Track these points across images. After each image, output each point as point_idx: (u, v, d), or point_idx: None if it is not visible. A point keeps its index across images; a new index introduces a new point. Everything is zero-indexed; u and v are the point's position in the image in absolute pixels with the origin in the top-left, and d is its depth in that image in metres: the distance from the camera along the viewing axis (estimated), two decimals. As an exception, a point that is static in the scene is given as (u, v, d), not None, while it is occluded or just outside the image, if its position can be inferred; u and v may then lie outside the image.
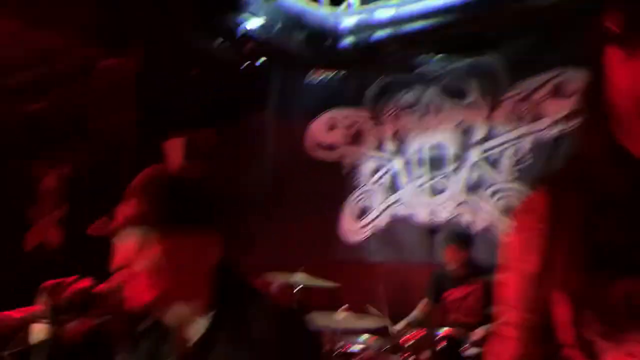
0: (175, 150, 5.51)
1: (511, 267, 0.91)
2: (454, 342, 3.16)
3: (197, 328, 1.11)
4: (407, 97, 4.39)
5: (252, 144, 5.11)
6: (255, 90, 5.04)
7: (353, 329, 3.51)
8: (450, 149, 4.16)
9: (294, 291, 3.75)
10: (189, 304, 1.12)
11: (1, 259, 6.89)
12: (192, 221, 1.12)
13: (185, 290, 1.10)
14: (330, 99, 4.76)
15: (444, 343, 3.13)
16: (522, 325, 0.88)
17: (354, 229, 4.52)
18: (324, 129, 4.79)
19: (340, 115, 4.72)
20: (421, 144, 4.30)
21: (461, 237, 3.60)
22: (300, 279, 3.54)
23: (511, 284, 0.91)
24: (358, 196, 4.56)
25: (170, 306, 1.11)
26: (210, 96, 4.86)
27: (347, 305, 3.41)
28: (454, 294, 3.54)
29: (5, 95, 6.16)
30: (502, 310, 0.93)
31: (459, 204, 4.07)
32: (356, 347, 3.43)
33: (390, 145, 4.45)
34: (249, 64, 4.59)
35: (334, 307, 3.50)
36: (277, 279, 3.93)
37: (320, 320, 3.40)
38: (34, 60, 5.43)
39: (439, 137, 4.23)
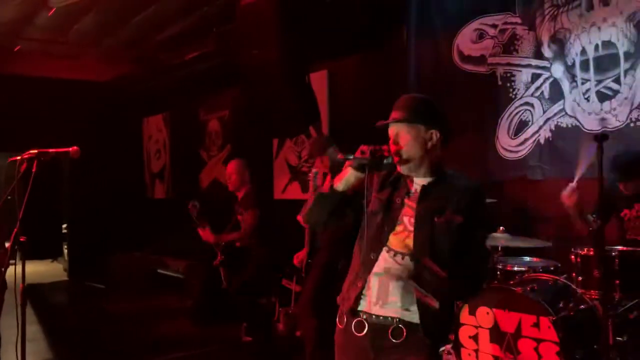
0: (319, 82, 5.59)
1: None
2: (630, 262, 2.88)
3: (422, 182, 2.02)
4: (566, -8, 3.88)
5: (397, 64, 4.97)
6: (394, 7, 4.86)
7: (513, 249, 3.37)
8: (622, 47, 3.62)
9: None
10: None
11: (184, 193, 7.72)
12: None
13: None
14: (475, 6, 4.39)
15: (617, 262, 2.86)
16: None
17: (511, 146, 4.24)
18: (472, 40, 4.46)
19: (488, 23, 4.35)
20: (585, 44, 3.81)
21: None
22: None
23: None
24: (514, 110, 4.24)
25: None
26: (347, 22, 4.80)
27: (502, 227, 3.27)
28: (631, 211, 3.20)
29: (166, 46, 6.70)
30: None
31: (634, 109, 3.57)
32: (518, 268, 3.31)
33: (547, 51, 4.01)
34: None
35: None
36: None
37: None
38: (186, 11, 5.78)
39: (606, 34, 3.70)
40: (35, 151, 2.47)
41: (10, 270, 2.73)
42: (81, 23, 6.14)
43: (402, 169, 2.01)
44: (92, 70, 7.68)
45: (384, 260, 1.96)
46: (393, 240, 1.97)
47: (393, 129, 2.02)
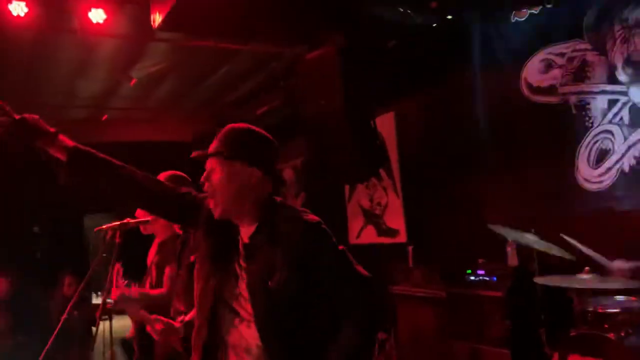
0: (386, 124, 5.61)
1: None
2: None
3: (249, 232, 1.69)
4: (638, 12, 3.70)
5: (463, 101, 4.92)
6: (457, 44, 4.84)
7: (603, 289, 3.16)
8: None
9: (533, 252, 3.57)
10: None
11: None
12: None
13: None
14: (540, 36, 4.28)
15: None
16: None
17: (593, 176, 4.02)
18: (540, 70, 4.33)
19: (555, 51, 4.21)
20: (664, 64, 3.60)
21: None
22: (532, 240, 3.31)
23: None
24: (593, 139, 4.03)
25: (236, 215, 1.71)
26: (411, 63, 4.83)
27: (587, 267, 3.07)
28: None
29: (239, 103, 7.02)
30: None
31: None
32: (611, 309, 3.08)
33: (623, 75, 3.82)
34: (442, 19, 4.43)
35: (578, 267, 3.21)
36: (510, 237, 3.77)
37: (563, 282, 3.15)
38: (255, 68, 6.06)
39: (687, 51, 3.48)
40: (118, 223, 2.63)
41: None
42: (160, 89, 6.59)
43: (217, 214, 1.70)
44: (173, 132, 8.14)
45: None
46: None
47: (208, 164, 1.73)
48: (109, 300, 2.59)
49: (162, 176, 2.80)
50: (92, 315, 2.95)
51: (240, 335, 1.64)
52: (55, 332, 2.54)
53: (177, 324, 2.29)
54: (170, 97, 6.93)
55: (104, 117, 7.17)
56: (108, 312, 2.57)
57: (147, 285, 3.14)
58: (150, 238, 3.12)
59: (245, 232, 1.72)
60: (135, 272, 3.26)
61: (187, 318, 2.31)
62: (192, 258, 2.48)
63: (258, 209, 1.70)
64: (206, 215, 1.78)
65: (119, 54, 5.34)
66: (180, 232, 3.00)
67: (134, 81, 5.88)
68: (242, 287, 1.66)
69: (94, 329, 2.82)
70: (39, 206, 7.09)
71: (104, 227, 2.75)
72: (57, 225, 7.22)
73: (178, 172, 2.86)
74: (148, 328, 2.39)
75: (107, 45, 5.14)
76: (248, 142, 1.74)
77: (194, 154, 1.78)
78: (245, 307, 1.64)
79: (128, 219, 2.73)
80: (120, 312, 2.51)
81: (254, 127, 1.79)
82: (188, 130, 8.16)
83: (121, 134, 7.63)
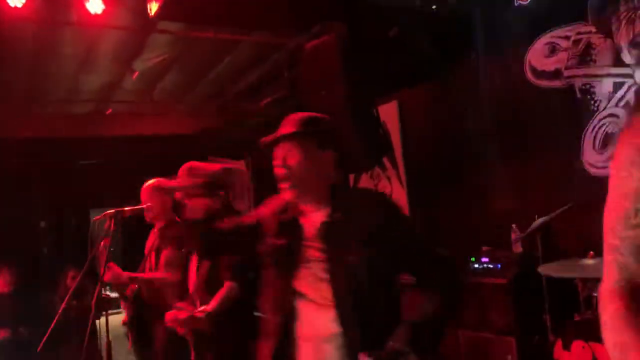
0: (389, 114, 5.56)
1: None
2: None
3: (323, 214, 1.73)
4: (643, -8, 3.62)
5: (467, 88, 4.85)
6: (460, 30, 4.77)
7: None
8: None
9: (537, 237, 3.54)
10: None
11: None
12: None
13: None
14: (543, 20, 4.20)
15: None
16: None
17: (599, 161, 3.95)
18: (544, 54, 4.26)
19: (559, 35, 4.14)
20: (670, 44, 3.51)
21: None
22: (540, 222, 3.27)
23: None
24: (598, 123, 3.96)
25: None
26: (413, 51, 4.77)
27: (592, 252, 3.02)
28: None
29: (243, 95, 6.99)
30: None
31: None
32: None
33: (628, 57, 3.74)
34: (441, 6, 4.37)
35: (584, 252, 3.15)
36: (516, 230, 3.76)
37: (569, 267, 3.11)
38: (258, 60, 6.02)
39: (694, 31, 3.40)
40: (113, 211, 2.61)
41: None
42: (164, 82, 6.56)
43: (292, 198, 1.74)
44: (178, 125, 8.12)
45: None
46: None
47: (281, 149, 1.76)
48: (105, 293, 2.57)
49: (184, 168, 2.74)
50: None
51: (316, 325, 1.65)
52: (54, 322, 2.53)
53: (199, 314, 2.33)
54: (174, 90, 6.90)
55: (109, 111, 7.16)
56: (103, 301, 2.55)
57: (147, 271, 3.14)
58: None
59: (317, 215, 1.74)
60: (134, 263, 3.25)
61: (208, 308, 2.33)
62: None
63: (330, 191, 1.75)
64: (269, 225, 1.82)
65: (120, 47, 5.31)
66: (178, 219, 2.99)
67: (136, 74, 5.86)
68: (316, 268, 1.66)
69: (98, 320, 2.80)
70: (46, 201, 7.13)
71: (99, 216, 2.74)
72: (63, 219, 7.25)
73: (195, 163, 2.80)
74: (168, 315, 2.40)
75: (109, 38, 5.12)
76: (320, 126, 1.81)
77: (264, 139, 1.80)
78: (321, 291, 1.64)
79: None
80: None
81: (320, 115, 1.86)
82: (192, 123, 8.15)
83: (126, 128, 7.63)
